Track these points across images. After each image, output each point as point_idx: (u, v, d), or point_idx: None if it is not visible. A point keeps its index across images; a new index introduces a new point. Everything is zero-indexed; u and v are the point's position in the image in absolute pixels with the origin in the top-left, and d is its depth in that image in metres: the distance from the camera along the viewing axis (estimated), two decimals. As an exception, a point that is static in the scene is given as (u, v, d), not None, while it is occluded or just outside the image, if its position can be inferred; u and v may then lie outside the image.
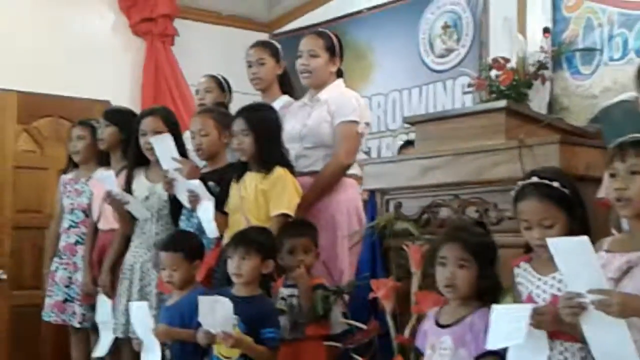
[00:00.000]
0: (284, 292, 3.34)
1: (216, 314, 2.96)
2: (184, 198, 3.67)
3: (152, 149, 3.86)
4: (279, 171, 3.53)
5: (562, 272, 2.17)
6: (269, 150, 3.57)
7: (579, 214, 2.38)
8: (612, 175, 2.23)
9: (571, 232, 2.30)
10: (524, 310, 2.25)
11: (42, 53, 5.74)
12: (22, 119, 5.79)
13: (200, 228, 3.66)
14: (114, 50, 6.23)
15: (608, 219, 2.56)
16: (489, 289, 2.52)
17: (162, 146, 3.78)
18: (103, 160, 4.49)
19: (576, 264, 2.10)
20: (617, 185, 2.21)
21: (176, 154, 3.75)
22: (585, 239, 2.09)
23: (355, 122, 3.82)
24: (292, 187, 3.53)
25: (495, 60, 4.77)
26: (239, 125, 3.60)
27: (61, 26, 5.95)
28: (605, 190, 2.53)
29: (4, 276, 5.52)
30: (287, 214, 3.49)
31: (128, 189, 4.05)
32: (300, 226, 3.47)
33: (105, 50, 6.13)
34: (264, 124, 3.60)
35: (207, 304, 2.99)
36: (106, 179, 4.06)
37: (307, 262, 3.36)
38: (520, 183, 2.44)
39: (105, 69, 6.01)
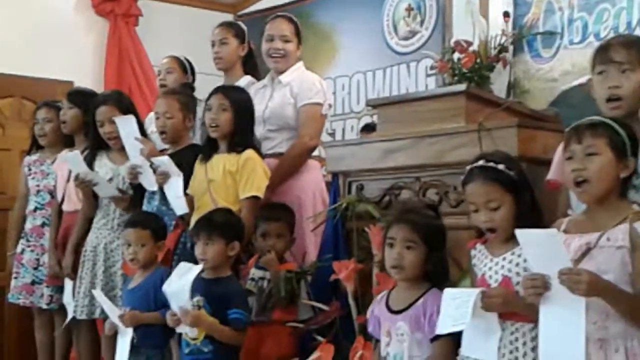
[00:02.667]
0: (256, 273, 3.35)
1: (180, 281, 2.99)
2: (146, 182, 3.68)
3: (113, 138, 3.88)
4: (248, 153, 3.50)
5: (530, 263, 2.17)
6: (244, 131, 3.55)
7: (527, 197, 2.38)
8: (569, 158, 2.22)
9: (519, 214, 2.33)
10: (471, 295, 2.27)
11: (3, 33, 5.68)
12: (-17, 100, 5.74)
13: (160, 211, 3.66)
14: (77, 30, 6.17)
15: (557, 201, 2.60)
16: (436, 272, 2.54)
17: (126, 128, 3.77)
18: (67, 142, 4.46)
19: (544, 255, 2.08)
20: (575, 166, 2.19)
21: (138, 135, 3.76)
22: (554, 231, 2.10)
23: (319, 104, 3.84)
24: (260, 170, 3.52)
25: (457, 43, 4.81)
26: (218, 99, 3.55)
27: (22, 5, 5.87)
28: (563, 174, 2.57)
29: (-35, 258, 5.48)
30: (257, 196, 3.49)
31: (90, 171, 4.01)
32: (276, 210, 3.47)
33: (68, 30, 6.07)
34: (244, 103, 3.59)
35: (183, 269, 3.03)
36: (73, 160, 3.98)
37: (278, 247, 3.36)
38: (468, 167, 2.45)
39: (68, 49, 5.96)
